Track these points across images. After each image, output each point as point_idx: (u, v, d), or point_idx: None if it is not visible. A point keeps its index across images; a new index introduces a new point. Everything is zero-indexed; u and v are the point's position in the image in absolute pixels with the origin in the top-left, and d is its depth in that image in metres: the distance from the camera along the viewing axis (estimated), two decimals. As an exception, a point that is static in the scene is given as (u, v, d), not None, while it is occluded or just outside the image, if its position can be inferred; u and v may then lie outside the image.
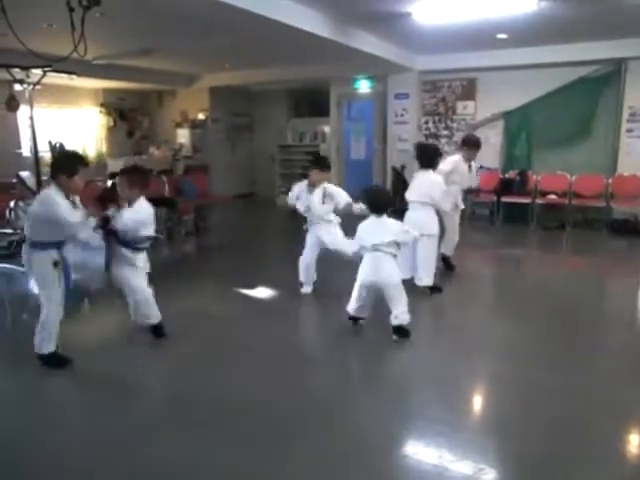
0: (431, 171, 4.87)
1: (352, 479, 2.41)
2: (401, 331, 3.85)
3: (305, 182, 4.78)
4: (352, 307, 3.95)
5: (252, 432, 2.76)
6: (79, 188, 3.42)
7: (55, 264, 3.33)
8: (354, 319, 4.02)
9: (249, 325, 4.29)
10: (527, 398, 3.11)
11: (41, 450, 2.64)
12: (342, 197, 4.75)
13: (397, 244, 3.76)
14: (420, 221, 4.66)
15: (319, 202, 4.71)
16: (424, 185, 4.82)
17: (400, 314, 3.82)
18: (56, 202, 3.19)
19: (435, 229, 4.87)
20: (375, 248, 3.70)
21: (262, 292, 5.22)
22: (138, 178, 3.76)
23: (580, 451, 2.58)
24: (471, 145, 5.65)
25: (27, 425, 2.89)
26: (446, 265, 5.71)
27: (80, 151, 10.69)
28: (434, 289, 4.94)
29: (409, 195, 4.93)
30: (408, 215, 4.83)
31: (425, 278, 4.88)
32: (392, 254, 3.75)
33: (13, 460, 2.57)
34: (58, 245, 3.37)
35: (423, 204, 4.79)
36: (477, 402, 3.25)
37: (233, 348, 3.84)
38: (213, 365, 3.58)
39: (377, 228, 3.73)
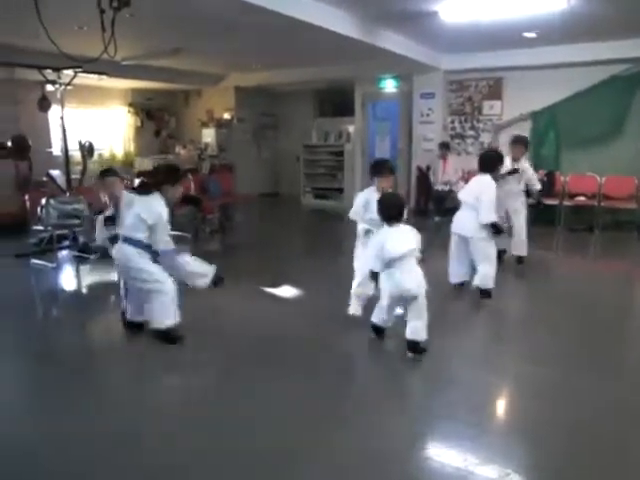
0: (488, 176, 4.77)
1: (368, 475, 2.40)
2: (415, 347, 3.62)
3: (372, 189, 4.16)
4: (380, 318, 3.80)
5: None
6: (179, 195, 3.92)
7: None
8: (378, 330, 3.87)
9: (276, 322, 4.31)
10: (556, 403, 3.06)
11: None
12: None
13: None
14: (464, 222, 4.75)
15: None
16: (475, 188, 4.78)
17: (420, 329, 3.59)
18: (163, 209, 3.69)
19: (482, 232, 4.69)
20: (406, 256, 3.47)
21: (287, 291, 5.24)
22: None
23: (608, 460, 2.53)
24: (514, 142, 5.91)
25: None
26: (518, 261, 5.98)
27: (108, 150, 10.97)
28: (484, 293, 4.80)
29: (461, 195, 4.96)
30: (457, 215, 4.92)
31: (480, 280, 4.77)
32: (416, 261, 3.57)
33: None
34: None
35: (470, 205, 4.73)
36: (503, 405, 3.21)
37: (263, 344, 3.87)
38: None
39: (401, 236, 3.51)
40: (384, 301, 3.64)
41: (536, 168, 8.71)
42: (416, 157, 9.76)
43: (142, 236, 3.66)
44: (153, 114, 11.87)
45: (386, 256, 3.47)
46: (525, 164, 6.03)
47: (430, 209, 9.27)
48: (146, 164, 10.15)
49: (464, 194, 4.88)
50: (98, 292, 5.58)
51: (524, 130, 8.88)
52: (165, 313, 3.66)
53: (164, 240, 3.69)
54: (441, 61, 9.02)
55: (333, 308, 4.41)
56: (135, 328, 3.98)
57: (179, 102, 12.29)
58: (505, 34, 7.12)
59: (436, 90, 9.43)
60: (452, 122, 9.60)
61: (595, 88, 8.16)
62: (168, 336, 3.74)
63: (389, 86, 10.17)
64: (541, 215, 8.37)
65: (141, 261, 3.67)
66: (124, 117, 11.31)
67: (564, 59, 8.01)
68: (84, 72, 6.43)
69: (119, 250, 3.76)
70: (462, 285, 5.04)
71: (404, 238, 3.50)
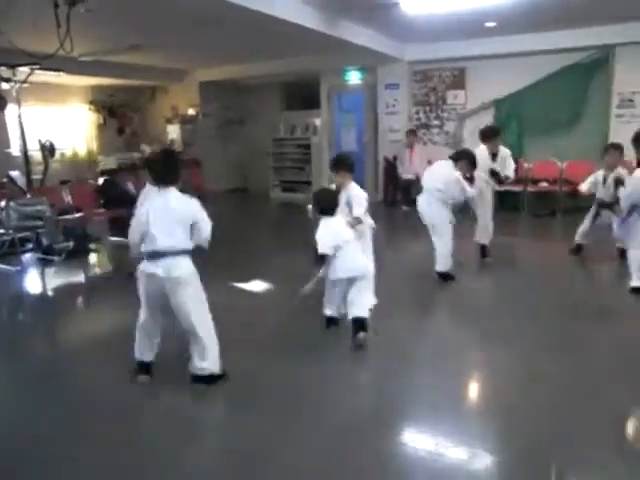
0: (452, 163, 4.85)
1: (347, 466, 2.43)
2: (362, 324, 3.62)
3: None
4: (329, 309, 3.87)
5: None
6: None
7: None
8: (330, 321, 3.91)
9: (246, 316, 4.30)
10: (523, 384, 3.15)
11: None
12: None
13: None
14: (425, 208, 4.86)
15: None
16: (438, 176, 4.86)
17: (365, 306, 3.67)
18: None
19: (441, 218, 4.87)
20: (346, 243, 3.62)
21: (257, 285, 5.24)
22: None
23: (575, 437, 2.61)
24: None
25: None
26: (482, 253, 5.82)
27: (71, 149, 10.72)
28: (444, 276, 4.99)
29: (423, 182, 5.03)
30: (418, 201, 4.98)
31: (437, 264, 4.96)
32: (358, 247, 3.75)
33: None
34: None
35: (430, 192, 4.85)
36: (472, 388, 3.28)
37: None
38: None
39: (338, 226, 3.66)
40: (334, 288, 3.74)
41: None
42: (383, 148, 9.83)
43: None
44: (116, 111, 11.63)
45: (334, 244, 3.57)
46: (506, 151, 5.93)
47: (398, 199, 9.36)
48: (110, 162, 9.96)
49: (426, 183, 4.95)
50: (64, 295, 5.46)
51: (487, 118, 9.07)
52: None
53: None
54: (405, 52, 9.09)
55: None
56: None
57: (143, 98, 12.06)
58: (466, 24, 7.22)
59: (400, 81, 9.50)
60: (417, 112, 9.69)
61: (554, 76, 8.37)
62: None
63: (354, 78, 10.19)
64: (506, 201, 8.58)
65: None
66: (85, 115, 11.05)
67: (524, 48, 8.18)
68: (41, 69, 6.25)
69: None
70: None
71: (341, 228, 3.66)
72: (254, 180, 12.20)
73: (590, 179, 5.73)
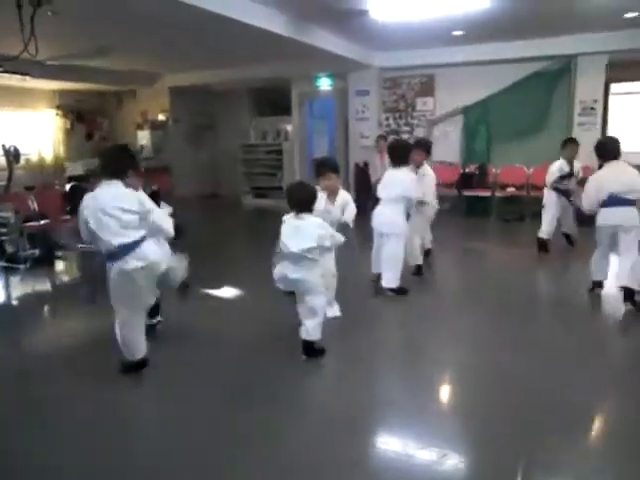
0: (405, 168, 4.69)
1: (318, 468, 2.43)
2: (310, 349, 3.46)
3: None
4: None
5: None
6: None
7: None
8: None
9: (215, 323, 4.27)
10: (489, 384, 3.21)
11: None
12: None
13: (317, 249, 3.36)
14: (385, 218, 4.64)
15: None
16: (398, 182, 4.62)
17: (312, 329, 3.43)
18: None
19: (403, 228, 4.69)
20: (294, 254, 3.31)
21: (228, 292, 5.21)
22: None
23: (542, 433, 2.67)
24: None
25: None
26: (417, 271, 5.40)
27: (37, 155, 10.48)
28: (399, 291, 4.75)
29: (381, 192, 4.74)
30: (376, 211, 4.77)
31: (389, 279, 4.72)
32: (314, 260, 3.36)
33: None
34: None
35: (392, 200, 4.63)
36: (441, 390, 3.32)
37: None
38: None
39: (298, 231, 3.32)
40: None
41: (467, 161, 9.12)
42: (353, 154, 9.91)
43: None
44: (84, 116, 11.44)
45: (282, 249, 3.36)
46: (427, 169, 5.44)
47: (369, 205, 9.42)
48: (77, 168, 9.78)
49: (385, 192, 4.70)
50: (29, 304, 5.32)
51: (456, 125, 9.26)
52: None
53: None
54: (375, 59, 9.19)
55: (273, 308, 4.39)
56: None
57: (112, 104, 11.90)
58: (435, 32, 7.35)
59: (370, 87, 9.60)
60: (387, 119, 9.81)
61: (520, 84, 8.59)
62: None
63: (325, 84, 10.26)
64: (475, 207, 8.76)
65: None
66: (52, 120, 10.83)
67: (490, 56, 8.37)
68: (4, 72, 6.10)
69: None
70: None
71: (297, 237, 3.31)
72: (226, 186, 12.13)
73: (555, 172, 6.09)
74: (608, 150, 4.48)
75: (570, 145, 6.20)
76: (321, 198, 3.79)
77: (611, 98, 8.96)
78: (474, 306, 4.67)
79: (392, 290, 4.75)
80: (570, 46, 7.97)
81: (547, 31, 7.53)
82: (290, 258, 3.35)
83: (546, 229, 6.19)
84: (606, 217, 4.34)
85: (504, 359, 3.52)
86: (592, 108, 8.39)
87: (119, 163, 3.22)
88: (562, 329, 4.16)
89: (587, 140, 8.30)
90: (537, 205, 8.35)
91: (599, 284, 4.71)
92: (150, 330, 3.65)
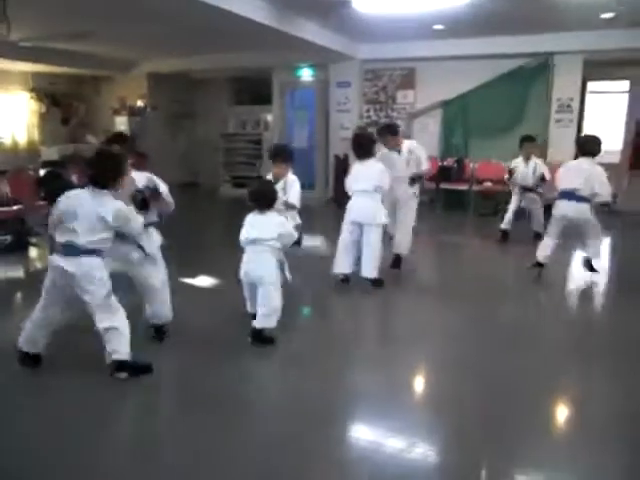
0: (372, 159, 4.76)
1: (288, 459, 2.46)
2: (259, 337, 3.57)
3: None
4: (249, 306, 3.81)
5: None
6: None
7: None
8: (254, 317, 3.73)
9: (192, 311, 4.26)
10: (462, 376, 3.27)
11: None
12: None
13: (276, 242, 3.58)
14: (367, 209, 4.65)
15: None
16: (371, 173, 4.67)
17: (265, 317, 3.56)
18: None
19: (382, 218, 4.72)
20: (253, 242, 3.54)
21: (204, 281, 5.20)
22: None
23: (510, 423, 2.74)
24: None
25: None
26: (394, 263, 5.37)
27: (10, 138, 10.22)
28: (377, 282, 4.80)
29: (354, 185, 4.74)
30: (353, 203, 4.74)
31: (371, 270, 4.75)
32: (271, 249, 3.57)
33: None
34: None
35: (370, 192, 4.65)
36: (413, 382, 3.38)
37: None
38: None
39: (259, 223, 3.57)
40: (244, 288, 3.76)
41: (446, 154, 9.19)
42: (333, 145, 9.90)
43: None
44: (59, 100, 11.17)
45: (241, 240, 3.59)
46: (414, 144, 5.54)
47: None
48: (52, 153, 9.58)
49: (360, 184, 4.70)
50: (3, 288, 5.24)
51: (435, 119, 9.31)
52: None
53: None
54: (357, 50, 9.18)
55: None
56: None
57: (89, 88, 11.64)
58: (416, 26, 7.36)
59: (352, 79, 9.60)
60: (367, 110, 9.82)
61: (498, 80, 8.67)
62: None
63: (306, 75, 10.21)
64: (453, 200, 8.86)
65: None
66: (26, 103, 10.57)
67: (470, 51, 8.42)
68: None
69: None
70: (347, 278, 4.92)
71: (260, 226, 3.55)
72: (205, 175, 12.02)
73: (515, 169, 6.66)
74: (585, 147, 4.95)
75: (525, 144, 6.69)
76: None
77: (587, 96, 9.13)
78: (449, 298, 4.75)
79: (371, 280, 4.77)
80: (548, 44, 8.06)
81: (526, 28, 7.61)
82: (249, 248, 3.57)
83: (505, 221, 6.74)
84: (560, 208, 4.92)
85: (474, 353, 3.59)
86: (569, 105, 8.53)
87: (108, 173, 3.01)
88: (535, 323, 4.26)
89: (563, 136, 8.54)
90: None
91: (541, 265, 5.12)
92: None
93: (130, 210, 3.08)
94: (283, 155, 4.33)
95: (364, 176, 4.70)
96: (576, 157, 5.32)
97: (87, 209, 2.92)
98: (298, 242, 4.17)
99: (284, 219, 3.74)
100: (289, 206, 4.22)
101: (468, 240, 7.54)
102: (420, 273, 5.76)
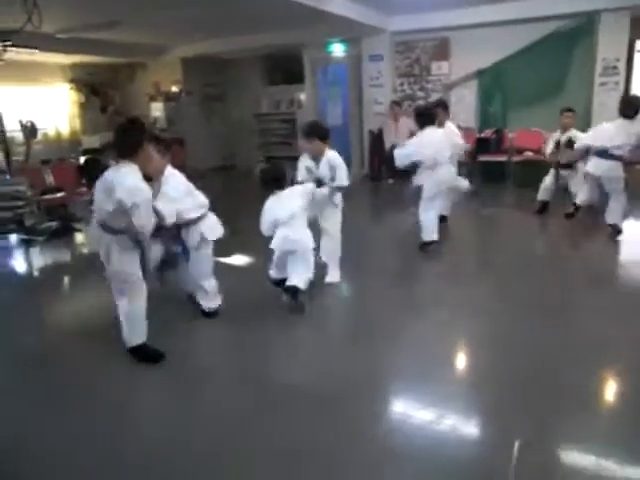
0: (435, 127, 5.05)
1: (320, 429, 2.49)
2: (295, 294, 3.73)
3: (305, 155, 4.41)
4: (274, 272, 3.99)
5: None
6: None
7: None
8: (277, 282, 3.99)
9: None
10: (496, 351, 3.21)
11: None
12: None
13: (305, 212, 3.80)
14: (447, 175, 5.01)
15: None
16: (441, 140, 4.97)
17: (298, 277, 3.73)
18: None
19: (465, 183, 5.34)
20: (288, 219, 3.70)
21: (239, 259, 5.27)
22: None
23: (544, 400, 2.67)
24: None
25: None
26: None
27: (54, 129, 10.57)
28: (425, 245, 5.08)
29: (428, 153, 4.84)
30: (440, 172, 4.91)
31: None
32: (303, 220, 3.79)
33: None
34: None
35: (444, 159, 4.94)
36: (448, 357, 3.33)
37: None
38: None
39: (283, 203, 3.71)
40: (275, 257, 3.89)
41: (484, 126, 8.91)
42: (367, 121, 9.77)
43: None
44: (97, 90, 11.45)
45: (276, 220, 3.72)
46: (451, 126, 5.92)
47: (384, 172, 9.34)
48: (93, 141, 9.86)
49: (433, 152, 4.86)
50: (49, 274, 5.47)
51: (471, 89, 9.03)
52: None
53: None
54: (388, 23, 8.97)
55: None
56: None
57: (124, 76, 11.86)
58: (447, -8, 7.13)
59: (384, 52, 9.40)
60: (401, 84, 9.62)
61: (537, 44, 8.29)
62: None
63: (337, 50, 10.07)
64: (492, 172, 8.61)
65: None
66: (67, 94, 10.88)
67: (506, 16, 8.08)
68: (14, 46, 6.13)
69: None
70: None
71: (286, 204, 3.71)
72: (240, 157, 12.12)
73: (550, 144, 6.34)
74: (623, 108, 5.05)
75: (565, 113, 6.38)
76: (306, 159, 4.27)
77: (636, 56, 8.64)
78: (487, 273, 4.65)
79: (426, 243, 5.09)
80: (591, 2, 7.64)
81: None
82: (282, 224, 3.71)
83: (541, 189, 6.51)
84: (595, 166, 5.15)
85: (514, 325, 3.51)
86: (614, 67, 8.08)
87: (125, 142, 3.00)
88: (579, 299, 4.11)
89: (609, 101, 8.12)
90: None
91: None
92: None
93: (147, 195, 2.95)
94: (317, 131, 4.21)
95: (439, 143, 4.93)
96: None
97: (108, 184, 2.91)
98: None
99: (300, 187, 3.89)
100: (340, 189, 4.24)
101: (507, 212, 7.32)
102: (463, 246, 5.65)
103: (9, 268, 5.70)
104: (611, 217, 5.36)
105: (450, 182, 5.22)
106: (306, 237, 3.79)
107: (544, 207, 6.47)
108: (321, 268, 4.26)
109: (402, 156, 5.04)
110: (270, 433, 2.48)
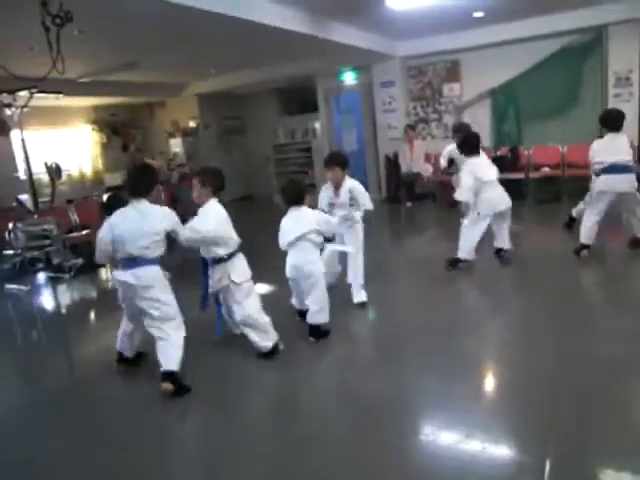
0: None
1: (348, 450, 2.47)
2: (317, 332, 3.74)
3: (327, 184, 4.48)
4: (295, 301, 4.03)
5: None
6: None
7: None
8: (300, 313, 4.01)
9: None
10: (525, 370, 3.17)
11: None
12: None
13: (319, 234, 3.75)
14: (500, 196, 5.11)
15: None
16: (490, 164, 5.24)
17: (316, 312, 3.71)
18: None
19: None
20: (297, 240, 3.68)
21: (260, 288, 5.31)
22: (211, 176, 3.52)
23: (578, 418, 2.62)
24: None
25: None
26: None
27: (77, 169, 10.90)
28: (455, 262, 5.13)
29: (488, 175, 5.09)
30: (491, 193, 5.06)
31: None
32: (313, 244, 3.73)
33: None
34: None
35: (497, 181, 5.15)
36: (475, 375, 3.28)
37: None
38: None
39: (296, 221, 3.71)
40: (290, 285, 3.90)
41: (499, 144, 8.92)
42: (382, 146, 9.87)
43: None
44: (119, 129, 11.82)
45: (285, 241, 3.73)
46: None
47: (402, 195, 9.37)
48: (115, 179, 10.13)
49: (491, 175, 5.14)
50: (76, 311, 5.58)
51: (485, 109, 9.07)
52: None
53: None
54: (397, 48, 9.13)
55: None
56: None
57: (144, 115, 12.25)
58: (454, 16, 7.23)
59: (395, 78, 9.54)
60: (414, 108, 9.72)
61: (548, 61, 8.35)
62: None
63: (349, 78, 10.26)
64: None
65: None
66: (89, 135, 11.25)
67: (514, 35, 8.17)
68: (39, 92, 6.40)
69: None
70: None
71: (297, 224, 3.69)
72: (259, 187, 12.30)
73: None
74: (609, 122, 5.07)
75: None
76: (328, 188, 4.37)
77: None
78: (511, 287, 4.60)
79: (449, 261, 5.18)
80: (599, 16, 7.68)
81: (573, 3, 7.30)
82: (292, 247, 3.70)
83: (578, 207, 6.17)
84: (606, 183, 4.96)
85: (544, 341, 3.46)
86: (627, 78, 8.07)
87: (142, 182, 3.29)
88: (611, 315, 4.04)
89: (625, 111, 8.03)
90: (575, 184, 8.16)
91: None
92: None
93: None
94: (336, 159, 4.37)
95: (489, 166, 5.20)
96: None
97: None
98: None
99: (318, 212, 3.89)
100: (367, 213, 4.40)
101: (531, 228, 7.25)
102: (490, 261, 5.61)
103: (38, 305, 5.84)
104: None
105: (508, 203, 5.24)
106: (311, 263, 3.69)
107: (572, 221, 6.21)
108: (348, 288, 4.29)
109: (466, 192, 5.07)
110: (299, 454, 2.47)
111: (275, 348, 3.53)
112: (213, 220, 3.36)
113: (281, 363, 3.48)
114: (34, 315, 5.53)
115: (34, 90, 6.32)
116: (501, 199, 5.13)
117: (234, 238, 3.49)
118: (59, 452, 2.76)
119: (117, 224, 3.17)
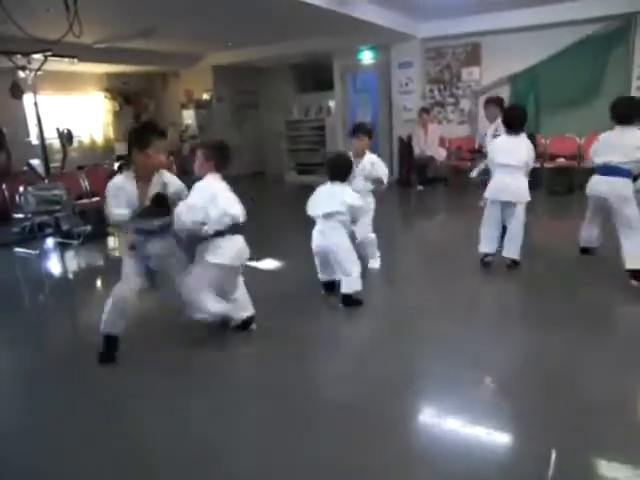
0: (522, 135, 4.51)
1: (351, 433, 2.47)
2: (349, 301, 3.80)
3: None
4: (321, 275, 4.05)
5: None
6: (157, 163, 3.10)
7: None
8: (326, 285, 4.06)
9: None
10: (533, 358, 3.16)
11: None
12: None
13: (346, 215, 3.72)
14: (514, 186, 4.37)
15: None
16: (516, 149, 4.42)
17: (350, 282, 3.75)
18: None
19: (528, 196, 4.44)
20: (326, 217, 3.68)
21: (269, 264, 5.30)
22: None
23: (584, 407, 2.61)
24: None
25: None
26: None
27: (88, 137, 10.86)
28: (515, 263, 4.54)
29: (498, 157, 4.46)
30: (500, 179, 4.43)
31: (515, 251, 4.50)
32: (342, 223, 3.73)
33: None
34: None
35: (515, 168, 4.38)
36: (482, 361, 3.26)
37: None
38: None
39: (331, 196, 3.70)
40: (316, 260, 3.95)
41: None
42: (397, 128, 9.75)
43: None
44: (131, 98, 11.74)
45: (313, 211, 3.76)
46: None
47: (413, 179, 9.29)
48: (126, 148, 10.09)
49: (506, 159, 4.41)
50: (83, 277, 5.60)
51: (503, 95, 8.90)
52: None
53: None
54: (417, 29, 8.96)
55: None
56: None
57: (157, 84, 12.15)
58: (478, -2, 7.08)
59: (414, 59, 9.39)
60: (431, 91, 9.58)
61: (571, 49, 8.17)
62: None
63: (367, 57, 10.10)
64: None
65: None
66: (101, 102, 11.19)
67: (539, 21, 8.00)
68: (54, 56, 6.33)
69: None
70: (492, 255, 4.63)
71: (330, 200, 3.68)
72: (271, 164, 12.24)
73: None
74: (615, 112, 4.28)
75: None
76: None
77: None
78: (527, 282, 4.54)
79: (514, 261, 4.53)
80: (630, 4, 7.47)
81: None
82: (320, 221, 3.73)
83: None
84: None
85: (555, 334, 3.43)
86: (653, 70, 7.89)
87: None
88: (608, 304, 4.01)
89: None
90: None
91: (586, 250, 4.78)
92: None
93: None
94: (364, 128, 4.57)
95: (512, 150, 4.42)
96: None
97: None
98: None
99: (355, 193, 3.84)
100: (380, 182, 4.53)
101: (542, 220, 7.17)
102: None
103: (46, 270, 5.86)
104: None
105: (515, 195, 4.46)
106: (334, 243, 3.71)
107: None
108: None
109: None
110: (301, 440, 2.47)
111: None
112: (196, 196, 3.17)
113: (296, 342, 3.48)
114: (42, 279, 5.55)
115: (49, 53, 6.25)
116: (506, 187, 4.38)
117: (230, 214, 3.29)
118: (61, 416, 2.78)
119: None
